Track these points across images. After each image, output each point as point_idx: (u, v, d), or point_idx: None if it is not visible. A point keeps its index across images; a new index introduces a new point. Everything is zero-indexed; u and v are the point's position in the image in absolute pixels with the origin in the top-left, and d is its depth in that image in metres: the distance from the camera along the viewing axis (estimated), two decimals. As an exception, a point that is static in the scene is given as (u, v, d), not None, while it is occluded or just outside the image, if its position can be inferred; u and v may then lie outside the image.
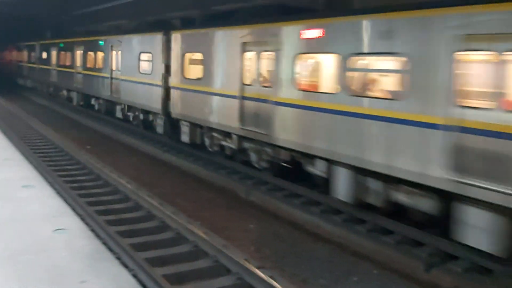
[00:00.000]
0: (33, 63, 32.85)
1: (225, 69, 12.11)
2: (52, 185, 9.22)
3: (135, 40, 17.56)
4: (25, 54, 35.77)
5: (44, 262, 4.92)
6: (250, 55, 11.26)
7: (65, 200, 7.90)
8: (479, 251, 6.98)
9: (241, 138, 11.77)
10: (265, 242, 8.61)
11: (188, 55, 14.04)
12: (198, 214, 9.85)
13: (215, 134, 12.93)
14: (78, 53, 23.49)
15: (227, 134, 12.36)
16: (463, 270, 7.17)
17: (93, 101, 22.62)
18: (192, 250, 7.60)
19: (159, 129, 15.96)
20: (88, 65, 22.04)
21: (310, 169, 9.91)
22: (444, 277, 7.23)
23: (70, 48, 24.64)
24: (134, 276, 5.90)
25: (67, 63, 25.01)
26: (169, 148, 15.46)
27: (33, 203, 6.76)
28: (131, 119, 18.56)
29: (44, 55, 29.46)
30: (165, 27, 15.57)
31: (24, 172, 8.49)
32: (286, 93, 9.99)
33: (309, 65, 10.57)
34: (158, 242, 7.88)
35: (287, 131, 10.06)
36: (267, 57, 10.77)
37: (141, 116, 17.47)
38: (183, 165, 14.00)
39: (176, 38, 14.52)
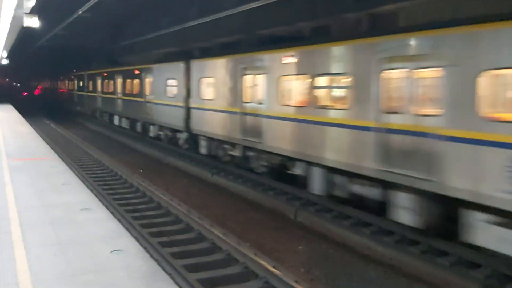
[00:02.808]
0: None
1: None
2: (108, 208, 9.60)
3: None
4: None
5: (103, 282, 5.13)
6: None
7: (121, 222, 8.20)
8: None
9: None
10: (315, 264, 8.58)
11: None
12: (247, 235, 9.95)
13: None
14: None
15: None
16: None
17: None
18: (243, 271, 7.69)
19: None
20: None
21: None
22: (503, 300, 6.96)
23: None
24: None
25: None
26: (217, 170, 15.74)
27: (92, 225, 7.07)
28: None
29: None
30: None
31: (82, 196, 8.87)
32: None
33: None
34: (209, 263, 8.02)
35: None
36: None
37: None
38: (231, 187, 14.20)
39: None
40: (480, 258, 7.78)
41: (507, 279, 7.27)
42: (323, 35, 13.38)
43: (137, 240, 7.93)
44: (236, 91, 14.09)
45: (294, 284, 6.89)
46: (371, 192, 9.48)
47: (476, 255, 7.85)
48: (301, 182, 11.90)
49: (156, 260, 7.44)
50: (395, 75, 8.60)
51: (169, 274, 6.99)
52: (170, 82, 19.26)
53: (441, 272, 7.83)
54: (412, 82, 8.19)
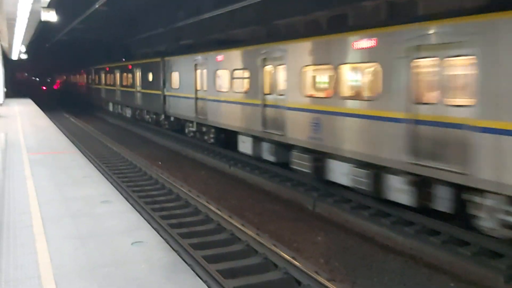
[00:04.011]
0: None
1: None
2: (128, 200, 9.69)
3: None
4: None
5: (124, 274, 5.17)
6: None
7: (141, 214, 8.27)
8: None
9: None
10: (334, 255, 8.55)
11: None
12: (265, 226, 9.96)
13: None
14: None
15: None
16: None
17: None
18: (262, 262, 7.70)
19: None
20: None
21: None
22: (527, 290, 6.85)
23: None
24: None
25: None
26: (235, 162, 15.74)
27: (112, 218, 7.13)
28: None
29: None
30: None
31: (102, 189, 8.95)
32: None
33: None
34: (229, 254, 8.05)
35: None
36: None
37: None
38: (248, 178, 14.21)
39: None
40: (501, 248, 7.67)
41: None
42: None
43: (157, 231, 8.00)
44: None
45: (314, 275, 6.87)
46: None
47: (498, 245, 7.74)
48: None
49: (176, 251, 7.49)
50: None
51: (189, 265, 7.04)
52: None
53: (462, 262, 7.74)
54: None
